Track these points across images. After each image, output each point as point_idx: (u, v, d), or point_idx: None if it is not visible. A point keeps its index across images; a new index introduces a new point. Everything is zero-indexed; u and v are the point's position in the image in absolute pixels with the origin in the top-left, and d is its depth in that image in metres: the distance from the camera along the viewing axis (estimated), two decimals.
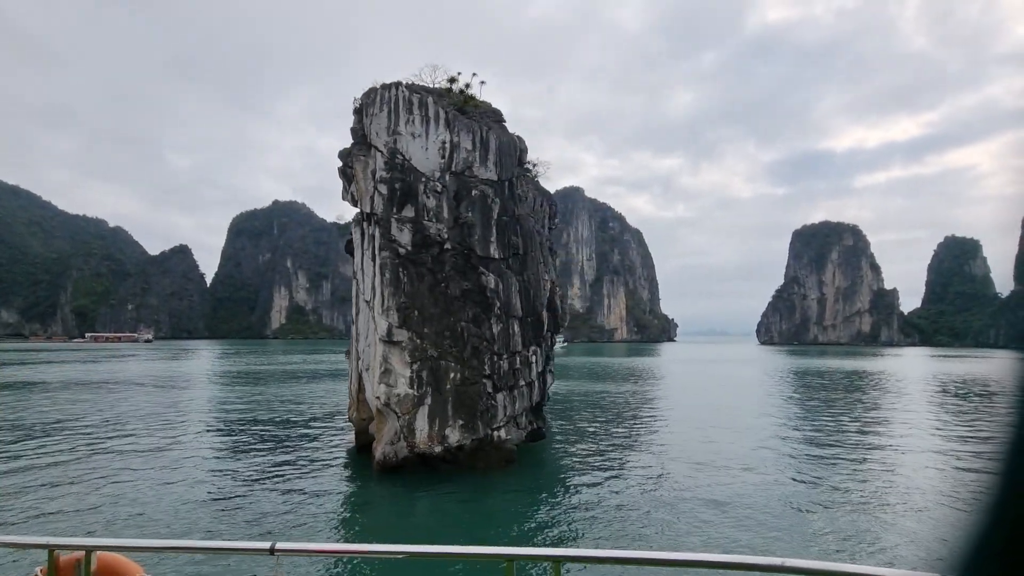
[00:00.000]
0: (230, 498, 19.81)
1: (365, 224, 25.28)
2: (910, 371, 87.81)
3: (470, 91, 29.30)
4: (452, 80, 28.81)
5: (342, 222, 39.05)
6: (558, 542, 16.35)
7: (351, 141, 26.87)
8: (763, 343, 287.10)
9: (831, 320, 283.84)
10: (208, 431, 32.75)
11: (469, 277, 24.53)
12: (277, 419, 36.59)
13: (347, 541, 16.73)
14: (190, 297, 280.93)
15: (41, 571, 3.68)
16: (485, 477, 22.40)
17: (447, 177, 25.18)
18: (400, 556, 3.29)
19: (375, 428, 24.52)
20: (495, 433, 23.90)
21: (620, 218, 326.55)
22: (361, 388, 26.57)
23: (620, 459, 26.16)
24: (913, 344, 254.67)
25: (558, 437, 31.56)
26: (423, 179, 24.72)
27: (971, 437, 31.90)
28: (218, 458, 25.90)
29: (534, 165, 37.41)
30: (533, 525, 17.76)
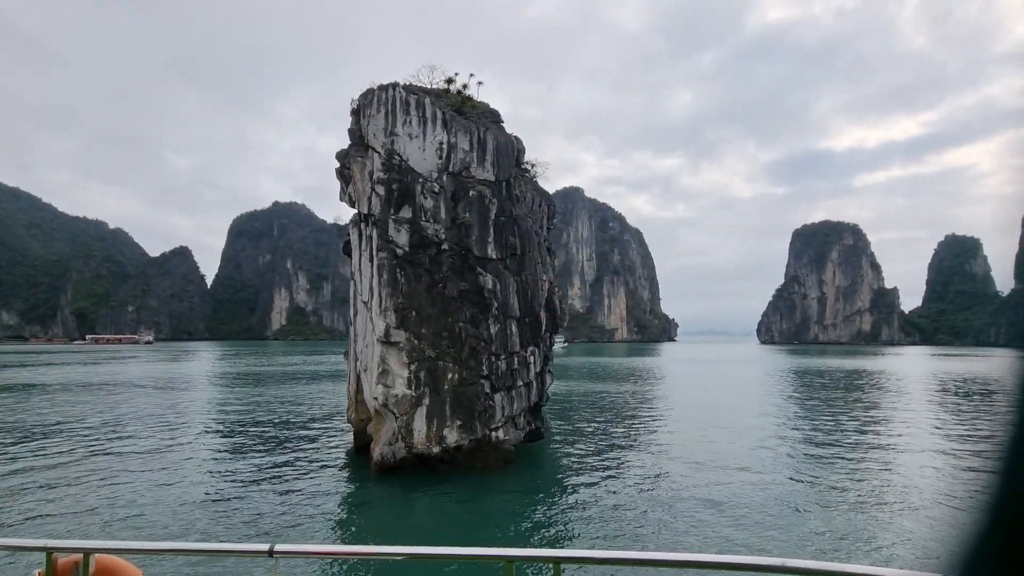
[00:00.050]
0: (229, 499, 19.82)
1: (363, 225, 25.29)
2: (910, 370, 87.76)
3: (467, 92, 29.32)
4: (450, 81, 28.84)
5: (340, 223, 39.05)
6: (557, 542, 16.36)
7: (349, 142, 26.90)
8: (763, 342, 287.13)
9: (831, 319, 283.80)
10: (207, 432, 32.76)
11: (467, 278, 24.54)
12: (276, 420, 36.60)
13: (345, 542, 16.73)
14: (190, 299, 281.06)
15: (39, 574, 3.66)
16: (483, 477, 22.40)
17: (444, 178, 25.19)
18: (399, 557, 3.29)
19: (373, 429, 24.52)
20: (493, 433, 23.91)
21: (620, 218, 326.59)
22: (359, 389, 26.57)
23: (619, 459, 26.16)
24: (914, 343, 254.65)
25: (557, 437, 31.55)
26: (420, 180, 24.74)
27: (971, 436, 31.89)
28: (217, 459, 25.92)
29: (532, 165, 37.42)
30: (532, 525, 17.76)
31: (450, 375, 23.41)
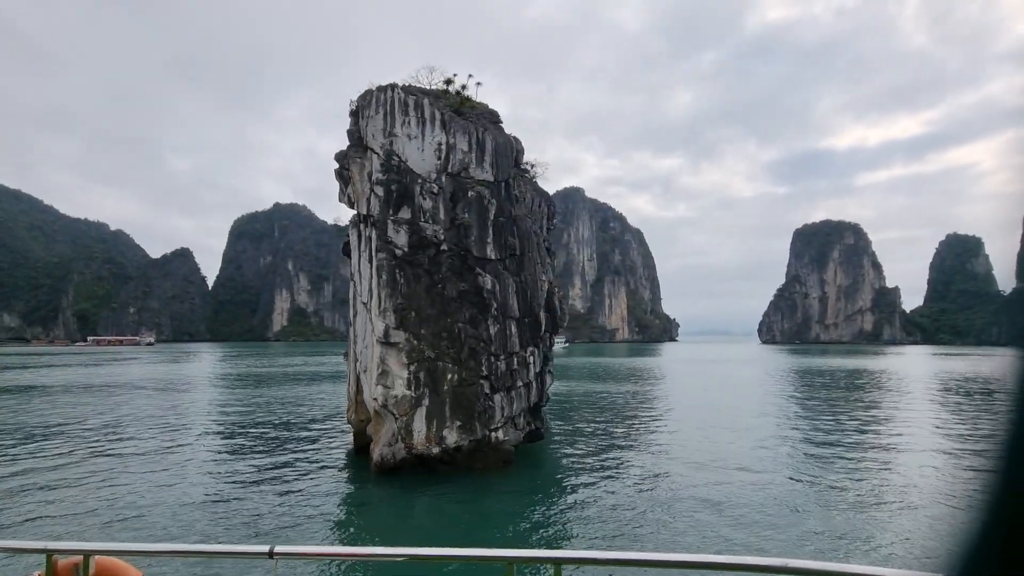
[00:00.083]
0: (229, 500, 19.85)
1: (362, 226, 25.32)
2: (912, 370, 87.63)
3: (466, 92, 29.36)
4: (448, 82, 28.88)
5: (340, 224, 39.10)
6: (557, 543, 16.37)
7: (348, 143, 26.94)
8: (765, 342, 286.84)
9: (833, 319, 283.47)
10: (208, 434, 32.79)
11: (466, 278, 24.56)
12: (276, 421, 36.64)
13: (345, 543, 16.74)
14: (191, 300, 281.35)
15: (39, 575, 3.68)
16: (483, 478, 22.41)
17: (443, 178, 25.21)
18: (399, 558, 3.30)
19: (373, 430, 24.54)
20: (493, 434, 23.92)
21: (621, 218, 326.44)
22: (359, 390, 26.59)
23: (619, 459, 26.15)
24: (915, 342, 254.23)
25: (557, 438, 31.55)
26: (419, 180, 24.76)
27: (972, 436, 31.84)
28: (217, 460, 25.94)
29: (532, 166, 37.44)
30: (532, 526, 17.77)
31: (449, 376, 23.43)
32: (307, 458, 26.19)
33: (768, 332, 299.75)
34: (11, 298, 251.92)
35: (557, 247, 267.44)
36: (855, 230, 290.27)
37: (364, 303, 25.08)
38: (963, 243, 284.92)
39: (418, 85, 27.92)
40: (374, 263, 24.04)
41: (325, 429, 33.81)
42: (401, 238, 24.16)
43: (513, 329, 25.52)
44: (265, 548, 3.23)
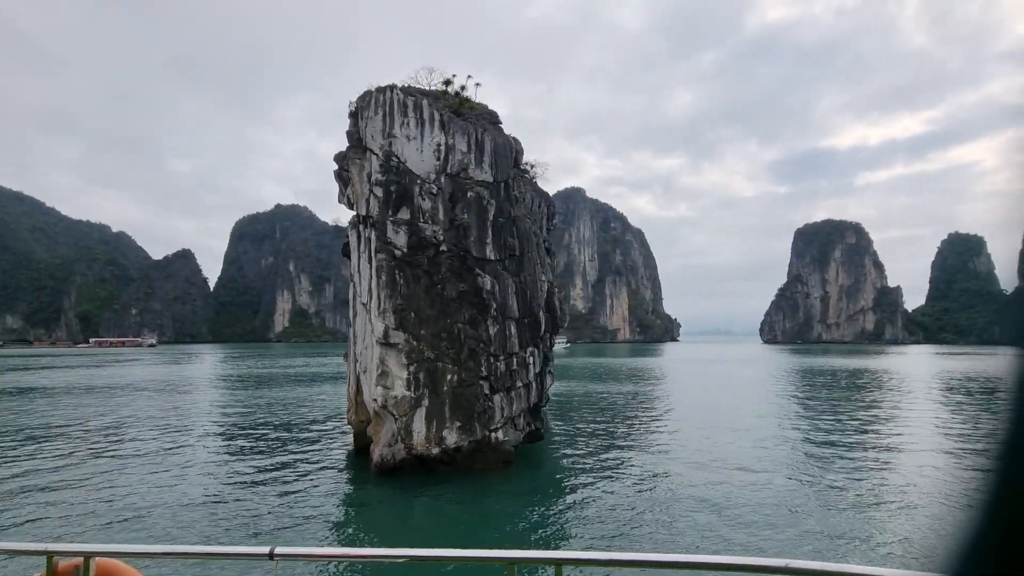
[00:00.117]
0: (229, 501, 19.89)
1: (361, 227, 25.35)
2: (913, 369, 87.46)
3: (465, 93, 29.38)
4: (447, 82, 28.91)
5: (340, 225, 39.15)
6: (558, 543, 16.38)
7: (347, 144, 26.97)
8: (767, 342, 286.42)
9: (835, 318, 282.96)
10: (208, 435, 32.85)
11: (465, 279, 24.58)
12: (277, 422, 36.68)
13: (346, 544, 16.76)
14: (193, 301, 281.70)
15: None
16: (483, 479, 22.42)
17: (442, 179, 25.24)
18: (400, 560, 3.29)
19: (373, 430, 24.56)
20: (492, 435, 23.93)
21: (622, 218, 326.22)
22: (359, 390, 26.62)
23: (619, 460, 26.14)
24: (917, 342, 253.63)
25: (557, 438, 31.55)
26: (418, 181, 24.79)
27: (973, 435, 31.77)
28: (218, 462, 25.98)
29: (532, 166, 37.48)
30: (532, 527, 17.77)
31: (449, 376, 23.45)
32: (307, 459, 26.22)
33: (770, 332, 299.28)
34: (14, 300, 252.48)
35: (558, 247, 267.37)
36: (856, 229, 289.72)
37: (364, 304, 25.11)
38: (965, 242, 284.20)
39: (417, 86, 27.95)
40: (373, 264, 24.07)
41: (325, 430, 33.85)
42: (400, 239, 24.19)
43: (512, 329, 25.53)
44: (265, 549, 3.23)
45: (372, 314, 23.90)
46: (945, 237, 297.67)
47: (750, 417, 38.38)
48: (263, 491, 21.12)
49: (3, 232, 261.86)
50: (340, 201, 26.83)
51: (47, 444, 29.51)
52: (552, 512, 19.11)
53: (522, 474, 23.53)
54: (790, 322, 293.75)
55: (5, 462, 25.44)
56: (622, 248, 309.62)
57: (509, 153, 28.26)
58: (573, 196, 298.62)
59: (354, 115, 26.22)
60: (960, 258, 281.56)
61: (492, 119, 28.84)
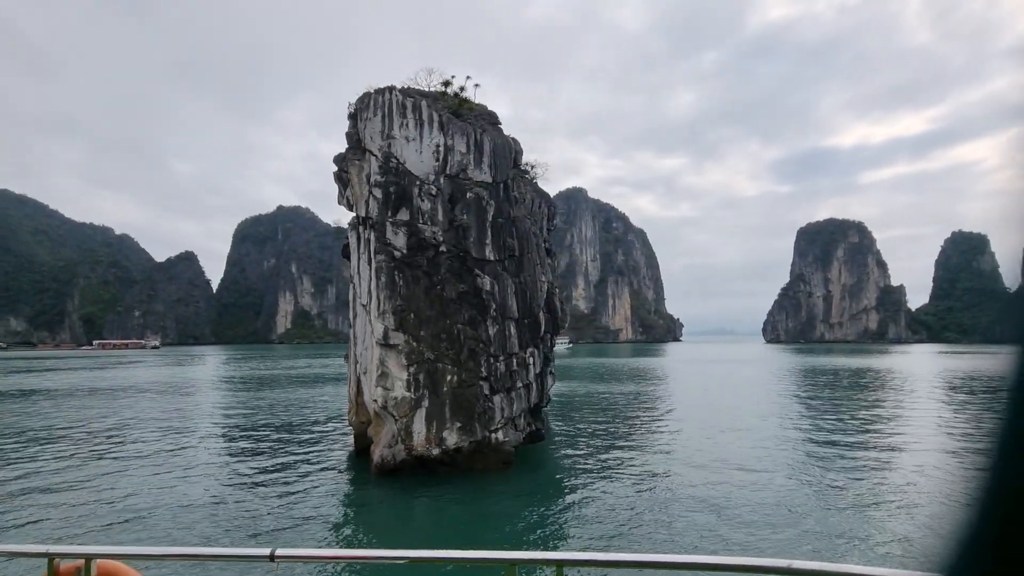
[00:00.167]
0: (230, 502, 19.92)
1: (361, 228, 25.38)
2: (916, 368, 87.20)
3: (465, 94, 29.40)
4: (446, 83, 28.94)
5: (341, 226, 39.21)
6: (559, 544, 16.38)
7: (347, 146, 27.01)
8: (769, 342, 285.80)
9: (838, 318, 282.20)
10: (210, 436, 32.92)
11: (465, 279, 24.58)
12: (278, 423, 36.74)
13: (346, 545, 16.79)
14: (196, 303, 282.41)
15: None
16: (483, 479, 22.42)
17: (442, 180, 25.26)
18: (401, 561, 3.28)
19: (373, 431, 24.59)
20: (493, 435, 23.92)
21: (624, 218, 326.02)
22: (360, 391, 26.65)
23: (620, 460, 26.11)
24: (921, 341, 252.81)
25: (558, 439, 31.53)
26: (418, 182, 24.82)
27: (975, 434, 31.65)
28: (219, 463, 26.04)
29: (532, 167, 37.50)
30: (533, 527, 17.77)
31: (449, 377, 23.45)
32: (308, 460, 26.26)
33: (772, 331, 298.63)
34: (17, 302, 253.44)
35: (560, 248, 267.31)
36: (859, 228, 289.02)
37: (363, 305, 25.14)
38: (968, 240, 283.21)
39: (417, 87, 27.98)
40: (373, 265, 24.10)
41: (326, 431, 33.90)
42: (400, 240, 24.21)
43: (512, 330, 25.53)
44: (266, 551, 3.22)
45: (372, 315, 23.93)
46: (948, 236, 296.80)
47: (751, 417, 38.30)
48: (264, 492, 21.16)
49: (7, 235, 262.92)
50: (340, 203, 26.88)
51: (49, 446, 29.60)
52: (553, 512, 19.10)
53: (522, 475, 23.52)
54: (793, 322, 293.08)
55: (7, 464, 25.54)
56: (624, 248, 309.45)
57: (508, 154, 28.27)
58: (575, 196, 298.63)
59: (353, 117, 26.27)
60: (964, 256, 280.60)
61: (491, 120, 28.86)
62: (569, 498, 20.55)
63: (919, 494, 20.26)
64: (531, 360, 26.85)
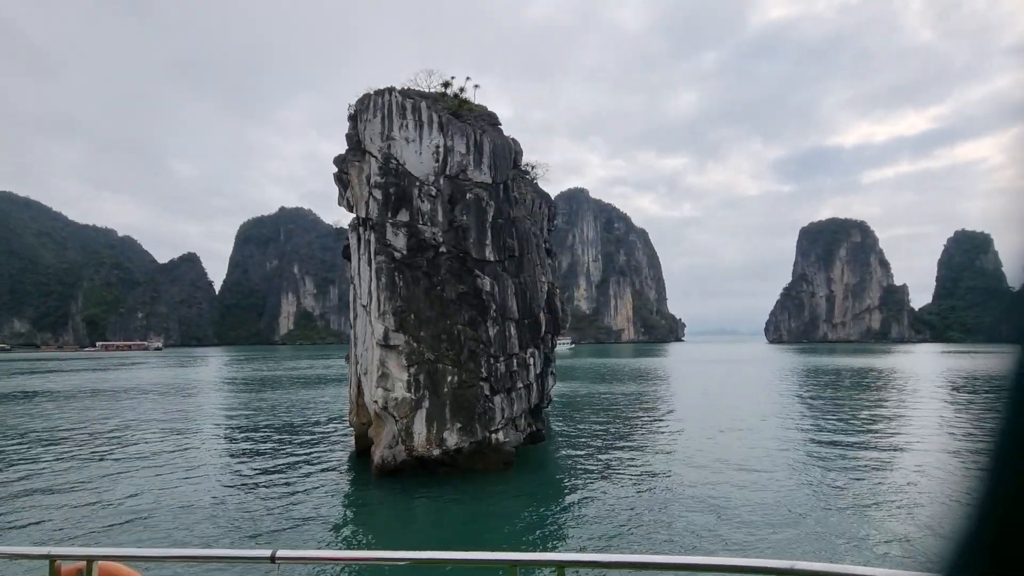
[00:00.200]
0: (231, 504, 19.96)
1: (361, 229, 25.42)
2: (920, 368, 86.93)
3: (464, 94, 29.42)
4: (446, 84, 28.96)
5: (343, 227, 39.26)
6: (560, 545, 16.36)
7: (347, 147, 27.06)
8: (772, 342, 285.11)
9: (840, 317, 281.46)
10: (212, 437, 33.00)
11: (465, 280, 24.60)
12: (280, 424, 36.81)
13: (347, 546, 16.81)
14: (199, 305, 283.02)
15: None
16: (483, 480, 22.42)
17: (441, 181, 25.28)
18: (402, 563, 3.26)
19: (374, 432, 24.61)
20: (493, 436, 23.91)
21: (625, 218, 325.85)
22: (361, 392, 26.68)
23: (621, 461, 26.09)
24: (924, 340, 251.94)
25: (559, 439, 31.52)
26: (417, 183, 24.84)
27: (977, 434, 31.54)
28: (220, 464, 26.10)
29: (532, 167, 37.50)
30: (533, 528, 17.77)
31: (449, 378, 23.46)
32: (309, 461, 26.30)
33: (775, 331, 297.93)
34: (22, 304, 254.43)
35: (562, 248, 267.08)
36: (862, 228, 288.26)
37: (364, 306, 25.17)
38: (972, 239, 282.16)
39: (417, 88, 28.01)
40: (373, 266, 24.13)
41: (327, 432, 33.94)
42: (400, 241, 24.24)
43: (512, 331, 25.53)
44: (267, 552, 3.21)
45: (372, 316, 23.96)
46: (952, 235, 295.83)
47: (753, 417, 38.23)
48: (265, 493, 21.20)
49: (11, 237, 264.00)
50: (340, 204, 26.93)
51: (51, 447, 29.71)
52: (553, 513, 19.10)
53: (523, 475, 23.52)
54: (795, 321, 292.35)
55: (10, 465, 25.64)
56: (626, 248, 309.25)
57: (508, 154, 28.28)
58: (576, 197, 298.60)
59: (353, 118, 26.32)
60: (967, 255, 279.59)
61: (491, 120, 28.88)
62: (570, 498, 20.54)
63: (919, 494, 20.19)
64: (531, 361, 26.85)
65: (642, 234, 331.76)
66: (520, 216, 28.16)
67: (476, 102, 30.20)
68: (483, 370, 24.06)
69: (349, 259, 27.13)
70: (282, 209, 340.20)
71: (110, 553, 3.54)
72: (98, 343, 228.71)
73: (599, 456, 26.94)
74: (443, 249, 24.66)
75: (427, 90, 28.33)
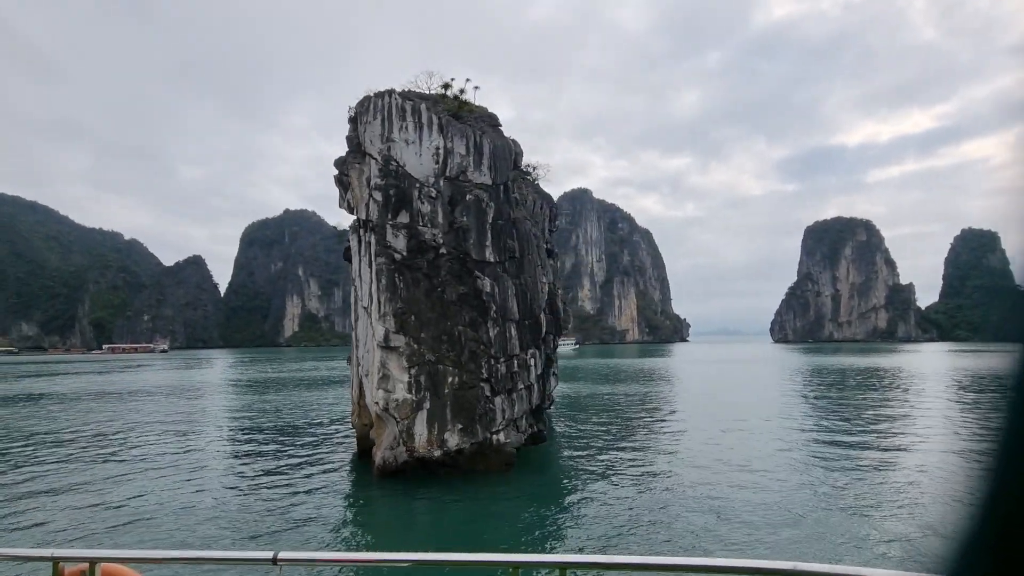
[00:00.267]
0: (233, 505, 20.03)
1: (361, 231, 25.47)
2: (926, 367, 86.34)
3: (464, 96, 29.45)
4: (446, 86, 29.01)
5: (344, 229, 39.35)
6: (561, 546, 16.33)
7: (347, 149, 27.13)
8: (777, 341, 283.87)
9: (846, 317, 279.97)
10: (215, 439, 33.12)
11: (465, 281, 24.61)
12: (283, 426, 36.91)
13: (349, 549, 16.82)
14: (204, 307, 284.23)
15: None
16: (485, 481, 22.40)
17: (441, 182, 25.31)
18: (404, 564, 3.28)
19: (375, 433, 24.64)
20: (494, 437, 23.90)
21: (629, 219, 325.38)
22: (362, 394, 26.72)
23: (623, 462, 26.02)
24: (931, 339, 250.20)
25: (560, 440, 31.47)
26: (417, 185, 24.88)
27: (982, 433, 31.30)
28: (223, 466, 26.19)
29: (533, 168, 37.51)
30: (535, 529, 17.74)
31: (450, 379, 23.47)
32: (311, 462, 26.36)
33: (780, 331, 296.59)
34: (29, 307, 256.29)
35: (565, 249, 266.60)
36: (867, 227, 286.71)
37: (365, 308, 25.22)
38: (978, 238, 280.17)
39: (417, 90, 28.07)
40: (374, 268, 24.17)
41: (329, 433, 34.01)
42: (400, 242, 24.27)
43: (513, 331, 25.51)
44: (269, 554, 3.22)
45: (373, 318, 24.00)
46: (958, 233, 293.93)
47: (756, 418, 38.06)
48: (267, 494, 21.26)
49: (18, 241, 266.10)
50: (340, 206, 27.01)
51: (56, 449, 29.89)
52: (555, 514, 19.06)
53: (524, 476, 23.49)
54: (801, 321, 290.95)
55: (14, 467, 25.80)
56: (630, 249, 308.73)
57: (508, 155, 28.29)
58: (580, 197, 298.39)
59: (353, 120, 26.39)
60: (974, 254, 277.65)
61: (491, 122, 28.90)
62: (571, 499, 20.50)
63: (922, 494, 20.06)
64: (532, 361, 26.82)
65: (646, 234, 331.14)
66: (520, 217, 28.15)
67: (476, 103, 30.24)
68: (484, 371, 24.06)
69: (350, 261, 27.19)
70: (286, 211, 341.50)
71: (113, 555, 3.56)
72: (104, 346, 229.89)
73: (600, 457, 26.88)
74: (443, 250, 24.69)
75: (427, 92, 28.38)
